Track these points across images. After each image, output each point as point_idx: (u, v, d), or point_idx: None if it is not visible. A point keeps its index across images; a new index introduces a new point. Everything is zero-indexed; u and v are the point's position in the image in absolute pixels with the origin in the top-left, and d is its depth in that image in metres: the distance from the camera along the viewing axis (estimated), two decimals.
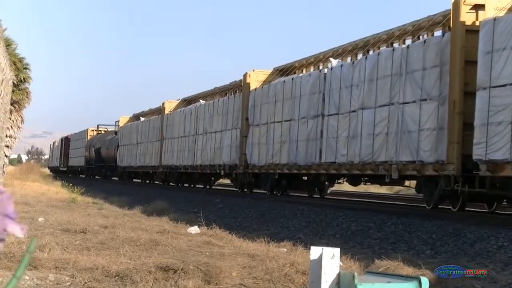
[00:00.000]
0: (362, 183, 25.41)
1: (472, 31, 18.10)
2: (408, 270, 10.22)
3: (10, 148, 44.26)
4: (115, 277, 9.30)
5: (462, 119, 18.01)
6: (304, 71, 29.71)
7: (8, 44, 40.14)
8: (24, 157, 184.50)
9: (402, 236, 15.59)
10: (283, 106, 27.78)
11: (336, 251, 6.58)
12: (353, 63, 23.44)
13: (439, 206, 20.13)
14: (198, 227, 16.10)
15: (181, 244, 13.09)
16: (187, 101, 44.80)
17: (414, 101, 19.70)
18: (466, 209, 19.55)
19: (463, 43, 18.20)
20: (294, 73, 30.22)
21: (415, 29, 22.19)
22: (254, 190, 32.69)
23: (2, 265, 9.76)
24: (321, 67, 28.49)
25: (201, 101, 39.95)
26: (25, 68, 44.64)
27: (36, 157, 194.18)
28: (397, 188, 37.04)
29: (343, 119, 23.39)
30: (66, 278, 9.21)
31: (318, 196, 29.12)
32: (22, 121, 45.53)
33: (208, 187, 40.91)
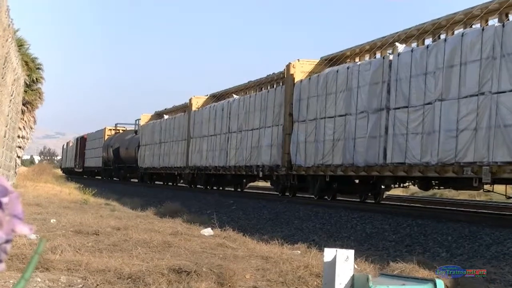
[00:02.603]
0: (435, 187, 22.47)
1: None
2: (423, 273, 10.21)
3: (23, 149, 42.70)
4: (127, 279, 9.30)
5: None
6: (357, 60, 26.88)
7: (20, 44, 38.69)
8: (36, 158, 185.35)
9: (417, 238, 15.71)
10: (336, 99, 24.97)
11: (350, 253, 6.63)
12: (427, 47, 20.50)
13: None
14: (212, 229, 16.20)
15: (194, 246, 13.21)
16: (217, 97, 42.20)
17: None
18: None
19: None
20: (345, 62, 27.48)
21: (504, 7, 19.25)
22: (298, 194, 30.06)
23: (14, 266, 9.70)
24: (378, 55, 25.70)
25: (235, 96, 37.22)
26: (38, 69, 43.50)
27: (48, 158, 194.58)
28: (413, 189, 35.35)
29: (414, 113, 20.48)
30: (78, 280, 9.20)
31: (373, 201, 26.37)
32: (35, 121, 44.31)
33: (239, 190, 38.49)
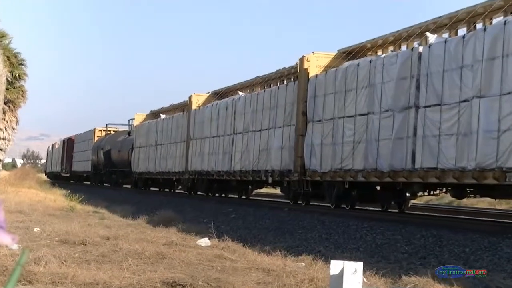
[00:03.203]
0: (471, 196, 21.72)
1: None
2: (438, 287, 10.26)
3: (4, 152, 42.30)
4: None
5: None
6: (380, 53, 26.22)
7: (1, 36, 38.35)
8: (19, 161, 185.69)
9: (432, 250, 15.72)
10: (357, 96, 24.27)
11: (359, 265, 6.78)
12: (463, 37, 19.74)
13: None
14: (209, 239, 16.50)
15: (190, 257, 13.40)
16: (219, 94, 41.52)
17: None
18: None
19: None
20: (365, 56, 26.81)
21: None
22: (312, 203, 29.32)
23: None
24: (404, 47, 25.00)
25: (240, 93, 36.51)
26: (21, 64, 43.15)
27: (32, 161, 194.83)
28: (426, 197, 35.06)
29: (448, 112, 19.71)
30: None
31: (397, 210, 25.65)
32: (17, 122, 43.88)
33: (244, 197, 37.80)
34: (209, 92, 43.28)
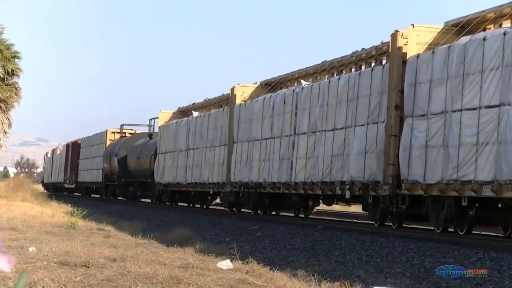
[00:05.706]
0: None
1: None
2: None
3: None
4: None
5: None
6: (506, 25, 23.65)
7: None
8: (12, 170, 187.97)
9: (490, 276, 15.76)
10: (484, 81, 22.03)
11: None
12: None
13: None
14: (231, 261, 17.13)
15: (209, 282, 13.78)
16: (271, 85, 39.73)
17: None
18: None
19: None
20: (484, 29, 24.38)
21: None
22: (405, 225, 27.35)
23: None
24: None
25: (303, 82, 34.30)
26: (14, 57, 42.64)
27: (27, 170, 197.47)
28: None
29: None
30: None
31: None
32: (10, 124, 43.39)
33: (303, 216, 35.88)
34: (256, 83, 41.61)
